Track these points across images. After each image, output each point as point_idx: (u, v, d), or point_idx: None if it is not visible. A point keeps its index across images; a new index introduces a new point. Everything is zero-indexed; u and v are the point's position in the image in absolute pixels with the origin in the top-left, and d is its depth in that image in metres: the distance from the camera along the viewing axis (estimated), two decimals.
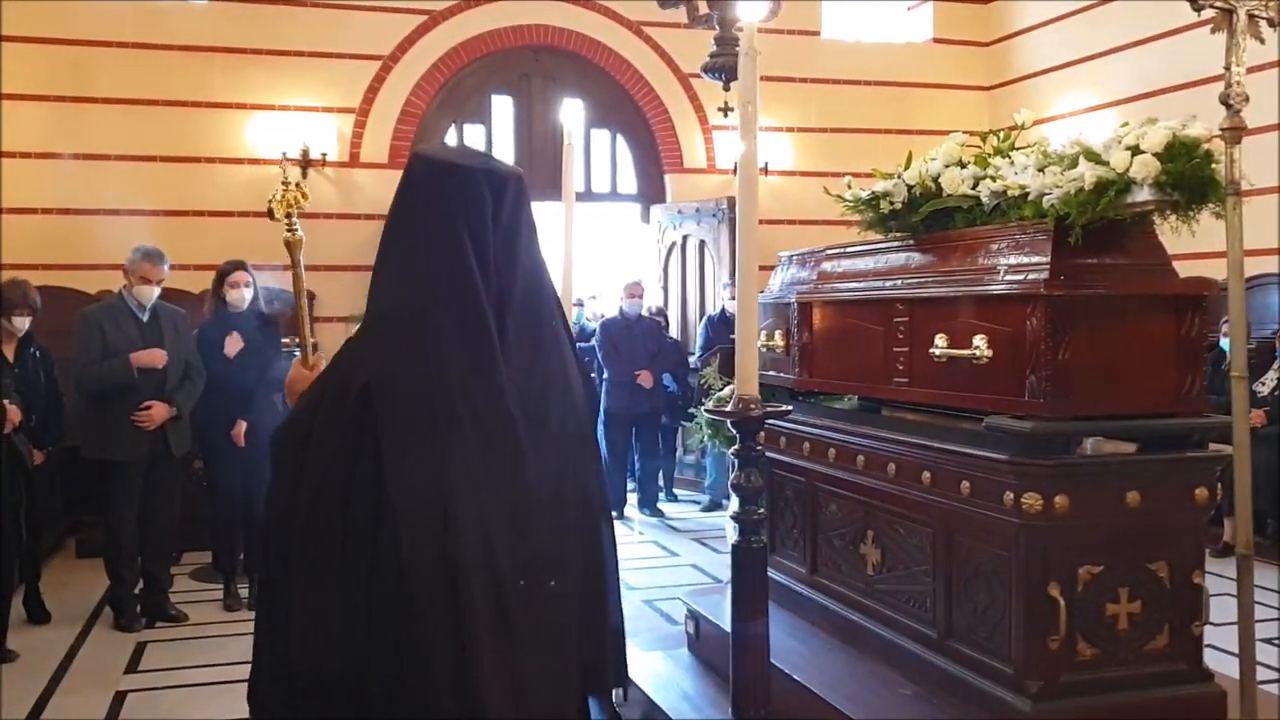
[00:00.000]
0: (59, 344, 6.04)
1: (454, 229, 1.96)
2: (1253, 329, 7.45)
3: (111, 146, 8.64)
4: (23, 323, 5.50)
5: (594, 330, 9.25)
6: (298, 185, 2.48)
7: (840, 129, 10.40)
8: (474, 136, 9.84)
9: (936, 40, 10.97)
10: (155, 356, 5.50)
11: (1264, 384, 7.11)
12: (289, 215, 2.44)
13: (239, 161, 8.77)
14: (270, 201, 2.49)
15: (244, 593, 5.96)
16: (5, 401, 4.99)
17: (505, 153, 9.89)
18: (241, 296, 5.89)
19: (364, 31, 9.16)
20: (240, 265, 5.98)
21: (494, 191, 2.01)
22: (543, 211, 10.11)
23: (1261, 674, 4.55)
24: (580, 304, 10.28)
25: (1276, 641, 5.14)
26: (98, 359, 5.45)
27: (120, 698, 4.65)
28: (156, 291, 5.64)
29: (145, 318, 5.63)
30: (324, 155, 8.84)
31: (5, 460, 5.01)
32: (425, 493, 1.86)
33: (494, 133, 9.88)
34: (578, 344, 8.30)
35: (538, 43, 9.78)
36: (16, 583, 5.47)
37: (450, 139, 9.74)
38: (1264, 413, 6.96)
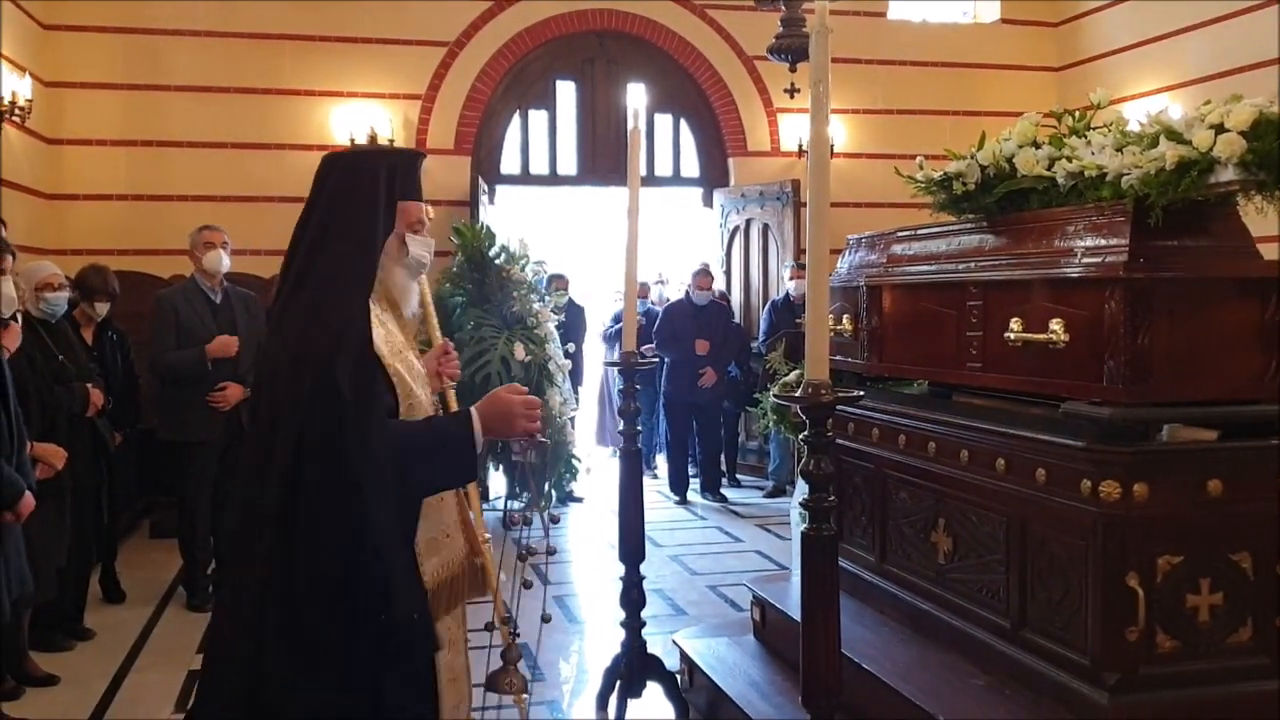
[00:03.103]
0: (135, 328, 6.18)
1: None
2: None
3: (184, 133, 8.80)
4: (103, 308, 5.66)
5: (656, 313, 9.24)
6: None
7: (906, 111, 10.26)
8: (538, 122, 9.86)
9: (1004, 21, 10.76)
10: (228, 345, 5.60)
11: None
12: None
13: (308, 148, 8.85)
14: None
15: None
16: (89, 385, 5.10)
17: (568, 137, 9.90)
18: None
19: (429, 18, 9.21)
20: None
21: (319, 174, 2.38)
22: (607, 196, 10.18)
23: None
24: (663, 282, 10.34)
25: None
26: (172, 342, 5.57)
27: (193, 676, 4.74)
28: (226, 259, 5.73)
29: (217, 299, 5.73)
30: (390, 141, 8.91)
31: (88, 443, 5.13)
32: None
33: (558, 118, 9.89)
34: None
35: (601, 27, 9.76)
36: (94, 562, 5.61)
37: (514, 124, 9.77)
38: None
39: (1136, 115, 3.15)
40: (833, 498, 2.32)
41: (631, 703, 3.72)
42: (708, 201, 10.46)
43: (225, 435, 5.59)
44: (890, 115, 10.25)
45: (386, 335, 2.30)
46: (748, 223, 10.11)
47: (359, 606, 2.08)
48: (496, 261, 6.99)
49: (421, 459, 2.19)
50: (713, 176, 10.36)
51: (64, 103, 8.58)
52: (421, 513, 2.30)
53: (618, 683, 3.69)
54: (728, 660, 4.08)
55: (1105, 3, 10.20)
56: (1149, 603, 2.69)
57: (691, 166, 10.39)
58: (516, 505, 7.88)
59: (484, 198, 8.85)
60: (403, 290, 2.43)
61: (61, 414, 4.87)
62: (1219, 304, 2.80)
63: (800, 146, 9.82)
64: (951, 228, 3.61)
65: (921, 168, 3.66)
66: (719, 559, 6.95)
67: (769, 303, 9.27)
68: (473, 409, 2.26)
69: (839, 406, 2.36)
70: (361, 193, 2.32)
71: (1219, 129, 2.66)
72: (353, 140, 8.86)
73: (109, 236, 8.39)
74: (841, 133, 10.05)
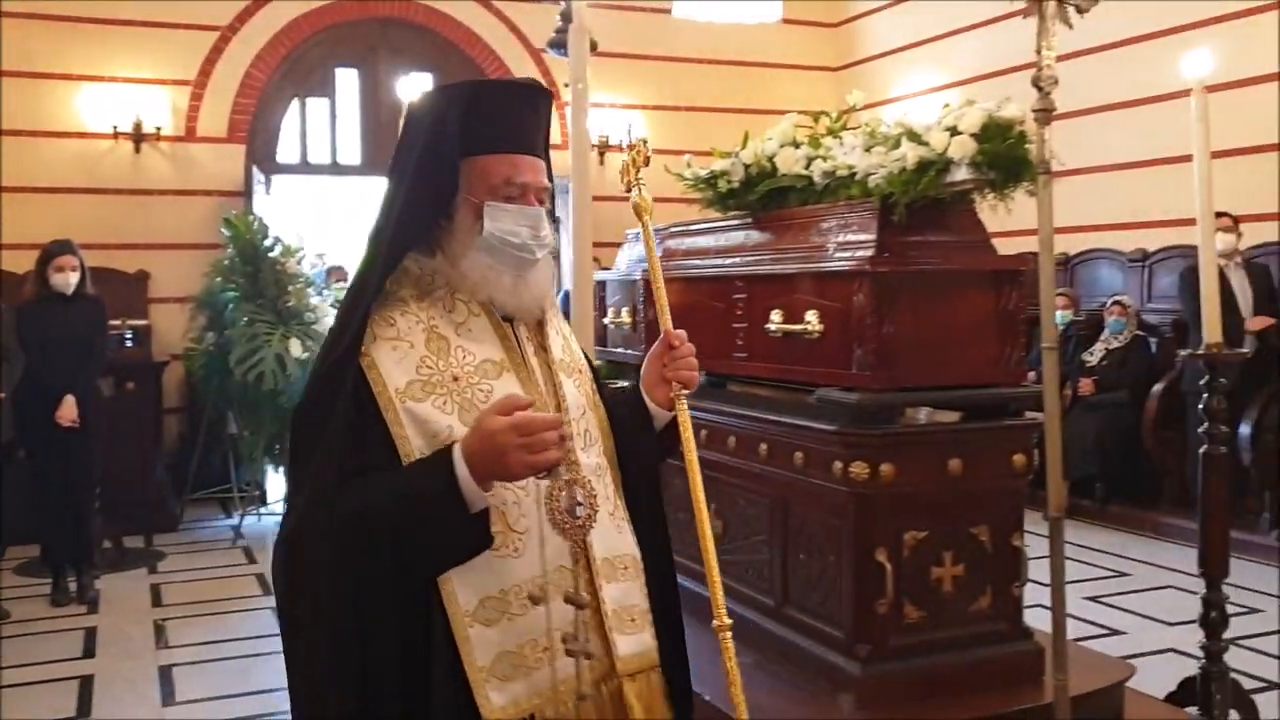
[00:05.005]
0: None
1: None
2: (1082, 302, 7.83)
3: None
4: None
5: None
6: (643, 143, 1.98)
7: (695, 108, 10.46)
8: (318, 110, 9.53)
9: (786, 21, 11.09)
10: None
11: (1092, 354, 7.45)
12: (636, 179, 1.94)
13: (66, 135, 8.30)
14: (620, 172, 1.94)
15: (73, 586, 5.71)
16: None
17: (350, 128, 9.63)
18: (67, 280, 5.61)
19: (199, 1, 8.77)
20: (67, 247, 5.69)
21: None
22: (381, 188, 9.96)
23: (1088, 630, 4.85)
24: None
25: (1103, 598, 5.45)
26: None
27: None
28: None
29: None
30: (158, 129, 8.45)
31: None
32: None
33: (338, 107, 9.61)
34: None
35: (384, 15, 9.55)
36: None
37: (293, 113, 9.43)
38: (1093, 381, 7.30)
39: (909, 116, 3.32)
40: None
41: None
42: None
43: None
44: (680, 111, 10.42)
45: (435, 354, 1.63)
46: None
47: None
48: (271, 254, 6.73)
49: (382, 532, 1.52)
50: None
51: None
52: (496, 614, 1.59)
53: None
54: None
55: (880, 5, 10.64)
56: (897, 576, 2.86)
57: None
58: None
59: (259, 188, 8.53)
60: (487, 283, 1.67)
61: None
62: (958, 294, 3.00)
63: (594, 141, 9.89)
64: (719, 224, 3.73)
65: (690, 165, 3.76)
66: None
67: (562, 292, 9.29)
68: (457, 444, 1.53)
69: None
70: (404, 148, 1.73)
71: (953, 131, 2.84)
72: (115, 129, 8.35)
73: None
74: (640, 128, 10.16)
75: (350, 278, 1.72)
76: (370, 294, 1.63)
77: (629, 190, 1.92)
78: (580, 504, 1.66)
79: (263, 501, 7.70)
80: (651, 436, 1.85)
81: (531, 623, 1.60)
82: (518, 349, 1.71)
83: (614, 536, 1.74)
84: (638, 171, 1.91)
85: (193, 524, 7.42)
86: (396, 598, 1.55)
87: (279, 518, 7.26)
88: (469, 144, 1.67)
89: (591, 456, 1.73)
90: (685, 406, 1.79)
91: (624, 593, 1.74)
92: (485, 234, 1.66)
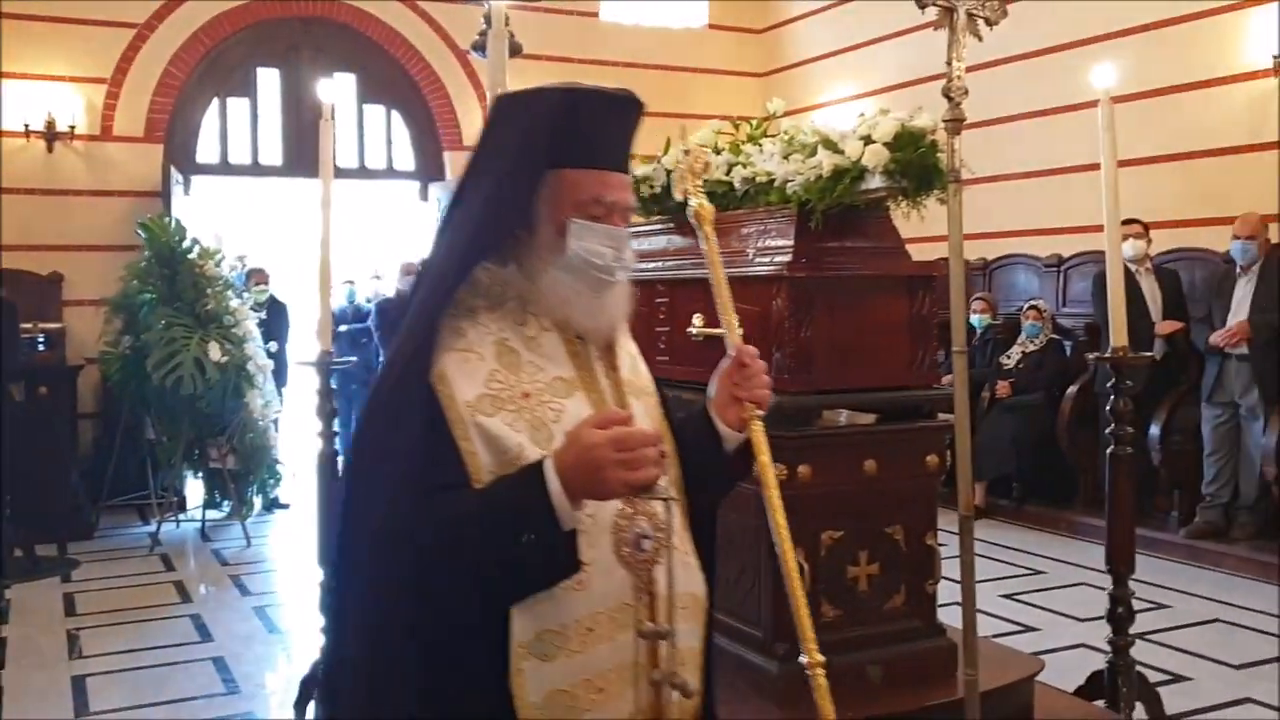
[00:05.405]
0: None
1: None
2: (1000, 306, 8.01)
3: None
4: None
5: (369, 311, 9.08)
6: (701, 148, 1.91)
7: None
8: (239, 110, 9.38)
9: (712, 26, 11.18)
10: None
11: (1009, 357, 7.61)
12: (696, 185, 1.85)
13: None
14: (676, 180, 1.84)
15: None
16: None
17: (273, 128, 9.50)
18: None
19: None
20: None
21: None
22: (304, 189, 9.83)
23: (1003, 626, 4.97)
24: (351, 282, 9.99)
25: (1018, 595, 5.58)
26: None
27: None
28: None
29: None
30: (72, 128, 8.26)
31: None
32: None
33: (260, 107, 9.47)
34: (354, 324, 8.05)
35: (306, 14, 9.44)
36: None
37: (213, 112, 9.28)
38: (1009, 384, 7.47)
39: (834, 122, 3.38)
40: None
41: None
42: (424, 195, 10.33)
43: None
44: None
45: (506, 368, 1.55)
46: None
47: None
48: (189, 257, 6.62)
49: (466, 551, 1.45)
50: (428, 170, 10.23)
51: None
52: (553, 649, 1.50)
53: (316, 690, 3.61)
54: None
55: (806, 11, 10.76)
56: (814, 575, 2.91)
57: (406, 159, 10.22)
58: (216, 515, 7.53)
59: (178, 188, 8.38)
60: (566, 304, 1.60)
61: None
62: (874, 299, 3.07)
63: None
64: (642, 228, 3.76)
65: None
66: None
67: None
68: (548, 458, 1.45)
69: None
70: (485, 157, 1.66)
71: (867, 140, 2.91)
72: (27, 127, 8.13)
73: None
74: None
75: (417, 276, 1.63)
76: (440, 302, 1.56)
77: (685, 199, 1.83)
78: (647, 536, 1.57)
79: (181, 508, 7.56)
80: (721, 461, 1.73)
81: (589, 661, 1.52)
82: (589, 368, 1.64)
83: (679, 572, 1.61)
84: (697, 179, 1.84)
85: (109, 531, 7.26)
86: (465, 625, 1.48)
87: (199, 525, 7.20)
88: (559, 155, 1.59)
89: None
90: (761, 427, 1.68)
91: (682, 635, 1.62)
92: (570, 253, 1.58)
